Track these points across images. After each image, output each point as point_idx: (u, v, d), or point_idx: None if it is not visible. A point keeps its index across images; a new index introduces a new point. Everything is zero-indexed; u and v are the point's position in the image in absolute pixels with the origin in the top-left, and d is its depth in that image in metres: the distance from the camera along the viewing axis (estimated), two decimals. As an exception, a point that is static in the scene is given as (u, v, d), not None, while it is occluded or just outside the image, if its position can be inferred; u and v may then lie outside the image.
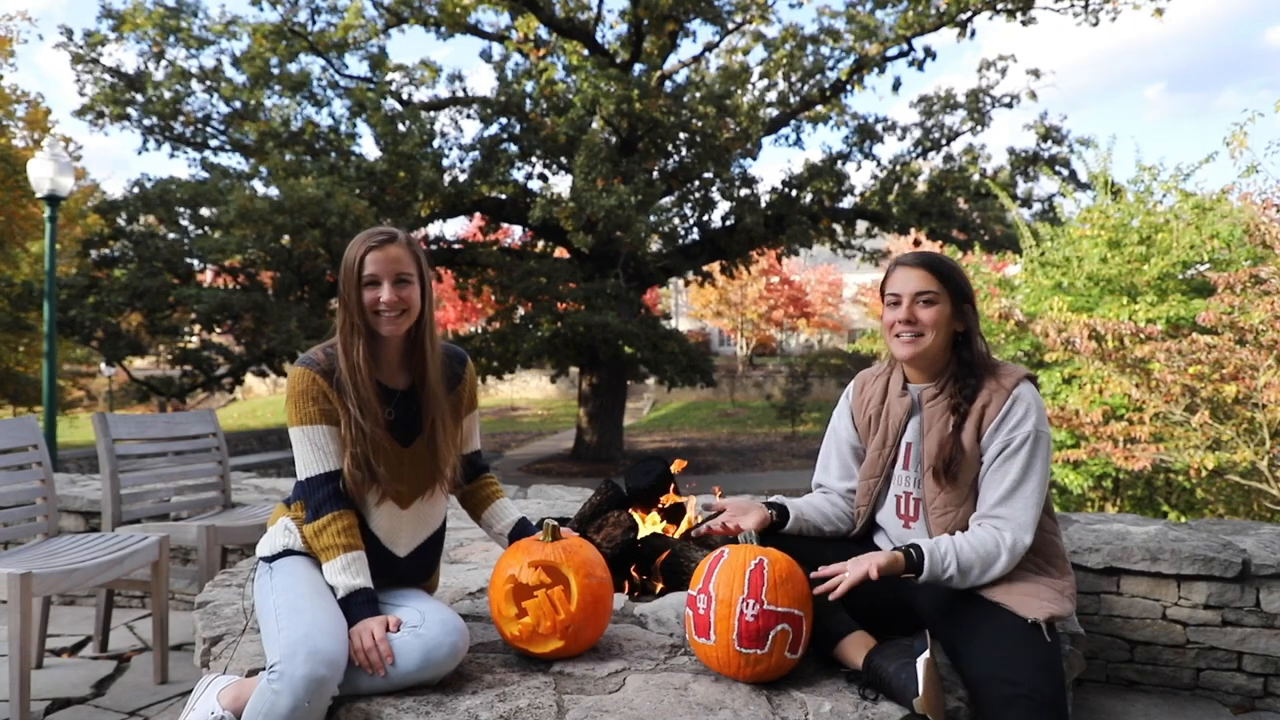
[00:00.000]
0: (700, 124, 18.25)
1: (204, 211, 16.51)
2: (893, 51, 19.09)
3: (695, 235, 21.62)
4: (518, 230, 25.31)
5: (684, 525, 2.65)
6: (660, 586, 2.45)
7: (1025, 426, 1.79)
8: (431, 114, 19.78)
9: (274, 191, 16.10)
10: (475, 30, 19.48)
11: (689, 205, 21.43)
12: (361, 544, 1.84)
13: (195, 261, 16.49)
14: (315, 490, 1.83)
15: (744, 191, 20.63)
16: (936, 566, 1.75)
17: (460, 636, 1.75)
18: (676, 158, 19.98)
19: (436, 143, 18.94)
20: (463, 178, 19.56)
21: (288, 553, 1.89)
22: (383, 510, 1.90)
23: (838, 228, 21.10)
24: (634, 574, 2.49)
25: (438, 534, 2.06)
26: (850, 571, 1.72)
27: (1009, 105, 19.88)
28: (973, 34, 18.61)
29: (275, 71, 18.35)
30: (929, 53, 19.43)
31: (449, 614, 1.80)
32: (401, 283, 1.85)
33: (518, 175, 20.35)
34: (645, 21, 18.16)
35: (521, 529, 2.10)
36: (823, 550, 1.98)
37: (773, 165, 48.33)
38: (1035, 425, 1.79)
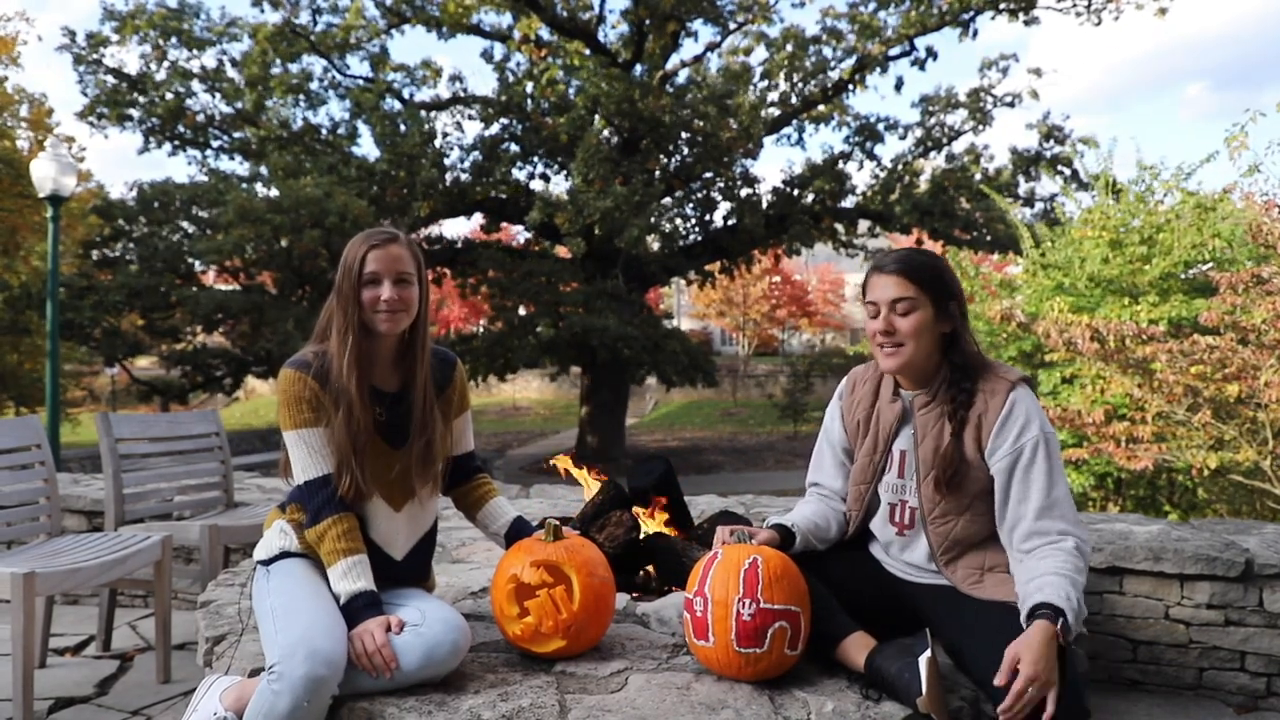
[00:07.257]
0: (702, 124, 18.23)
1: (202, 213, 16.52)
2: (895, 51, 19.08)
3: (697, 235, 21.60)
4: (519, 229, 25.32)
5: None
6: (663, 586, 2.44)
7: (1031, 432, 1.75)
8: (432, 114, 19.79)
9: (273, 193, 16.12)
10: (477, 30, 19.47)
11: (690, 205, 21.42)
12: (363, 547, 1.84)
13: (195, 262, 16.52)
14: (314, 494, 1.83)
15: (745, 191, 20.61)
16: (1075, 611, 1.58)
17: (461, 634, 1.75)
18: (678, 157, 19.96)
19: (437, 142, 18.95)
20: (464, 178, 19.56)
21: (284, 555, 1.90)
22: (377, 512, 1.91)
23: (839, 227, 21.07)
24: (636, 573, 2.49)
25: (430, 534, 2.07)
26: (1036, 677, 1.49)
27: (1010, 104, 19.84)
28: (975, 34, 18.60)
29: (276, 72, 18.37)
30: (931, 52, 19.41)
31: (450, 612, 1.80)
32: (402, 282, 1.85)
33: (519, 175, 20.37)
34: (647, 21, 18.15)
35: (519, 528, 2.08)
36: (817, 552, 1.98)
37: (774, 165, 48.37)
38: (1040, 429, 1.75)
